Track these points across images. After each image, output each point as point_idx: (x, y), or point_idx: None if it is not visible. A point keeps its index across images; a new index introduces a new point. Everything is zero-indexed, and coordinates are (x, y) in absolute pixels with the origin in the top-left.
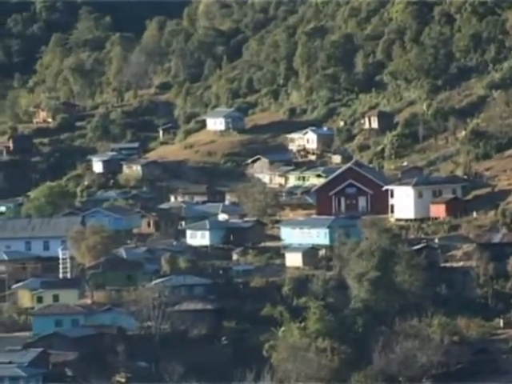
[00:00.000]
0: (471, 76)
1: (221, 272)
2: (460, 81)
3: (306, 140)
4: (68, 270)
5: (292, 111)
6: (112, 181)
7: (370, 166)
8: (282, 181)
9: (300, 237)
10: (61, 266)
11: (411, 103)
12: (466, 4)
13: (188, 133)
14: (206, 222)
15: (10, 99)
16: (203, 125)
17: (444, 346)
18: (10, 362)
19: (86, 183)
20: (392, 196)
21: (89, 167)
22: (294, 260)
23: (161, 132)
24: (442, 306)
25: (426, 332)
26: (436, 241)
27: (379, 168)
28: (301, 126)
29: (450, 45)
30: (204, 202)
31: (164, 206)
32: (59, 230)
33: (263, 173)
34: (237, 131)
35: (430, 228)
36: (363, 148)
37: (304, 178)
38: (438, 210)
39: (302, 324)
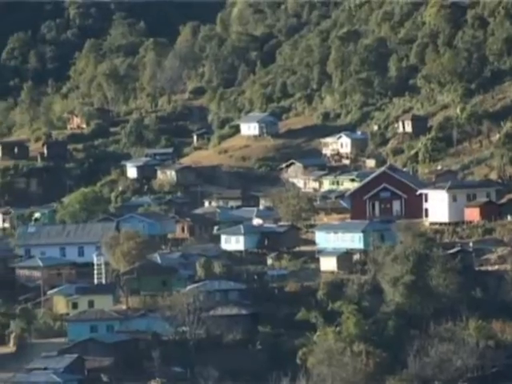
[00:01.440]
0: (505, 79)
1: (255, 277)
2: (493, 84)
3: (339, 144)
4: (103, 275)
5: (326, 115)
6: (146, 186)
7: (404, 169)
8: (316, 185)
9: (334, 241)
10: (95, 272)
11: (445, 107)
12: (499, 7)
13: (222, 138)
14: (241, 226)
15: (44, 105)
16: (237, 130)
17: (479, 350)
18: (45, 368)
19: (120, 189)
20: (426, 200)
21: (123, 173)
22: (328, 264)
23: (195, 137)
24: (476, 310)
25: (461, 335)
26: (470, 244)
27: (413, 172)
28: (334, 131)
29: (484, 48)
30: (238, 207)
31: (198, 211)
32: (94, 235)
33: (297, 177)
34: (271, 136)
35: (464, 232)
36: (397, 152)
37: (338, 183)
38: (473, 214)
39: (337, 328)
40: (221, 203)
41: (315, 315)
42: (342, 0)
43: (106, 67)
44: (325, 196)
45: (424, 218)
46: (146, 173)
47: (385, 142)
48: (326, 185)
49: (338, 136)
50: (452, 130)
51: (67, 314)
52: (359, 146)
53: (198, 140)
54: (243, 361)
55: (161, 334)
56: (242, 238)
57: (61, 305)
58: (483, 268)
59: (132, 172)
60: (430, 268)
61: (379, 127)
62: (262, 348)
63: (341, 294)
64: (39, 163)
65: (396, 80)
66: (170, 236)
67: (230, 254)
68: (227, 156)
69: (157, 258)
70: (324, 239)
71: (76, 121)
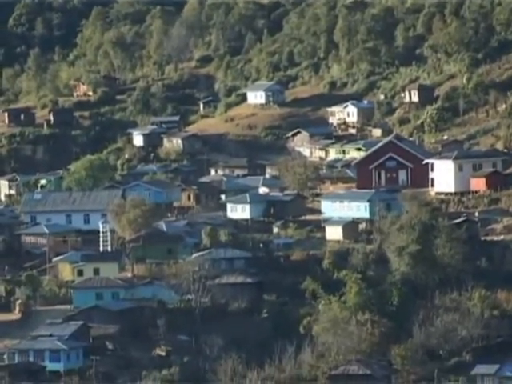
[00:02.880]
0: None
1: (261, 245)
2: (500, 54)
3: (346, 113)
4: (108, 243)
5: (332, 84)
6: (152, 154)
7: (411, 139)
8: (323, 154)
9: (340, 210)
10: (101, 240)
11: (451, 77)
12: None
13: (228, 106)
14: (247, 195)
15: (50, 73)
16: (244, 98)
17: (484, 320)
18: (50, 335)
19: (126, 156)
20: (432, 170)
21: (129, 141)
22: (334, 233)
23: (201, 105)
24: (481, 280)
25: (466, 305)
26: (476, 214)
27: (419, 141)
28: (341, 100)
29: (491, 18)
30: (244, 176)
31: (204, 179)
32: (100, 203)
33: (303, 146)
34: (277, 104)
35: (470, 202)
36: (403, 121)
37: (344, 152)
38: (478, 184)
39: (342, 297)
40: (227, 171)
41: (319, 284)
42: None
43: (113, 35)
44: (331, 165)
45: (430, 188)
46: (153, 141)
47: (391, 111)
48: (332, 154)
49: (344, 105)
50: (458, 99)
51: (72, 282)
52: (366, 115)
53: (204, 108)
54: (248, 329)
55: (166, 302)
56: (247, 207)
57: (66, 272)
58: (488, 238)
59: (138, 140)
60: (436, 238)
61: (386, 96)
62: (267, 317)
63: (346, 263)
64: (45, 130)
65: (403, 49)
66: (175, 204)
67: (235, 223)
68: (234, 124)
69: (162, 226)
70: (330, 208)
71: (82, 88)
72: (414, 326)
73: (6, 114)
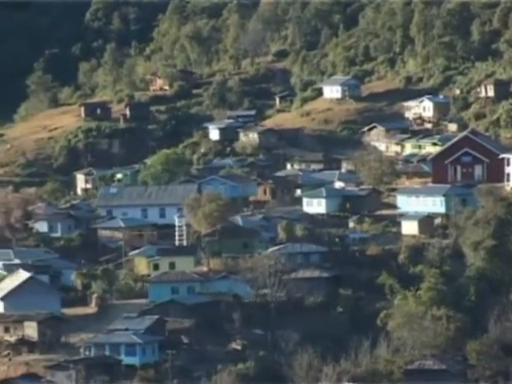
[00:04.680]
0: None
1: (337, 240)
2: None
3: (422, 108)
4: (184, 237)
5: (408, 79)
6: (228, 148)
7: (486, 134)
8: (398, 149)
9: (416, 205)
10: (177, 234)
11: None
12: None
13: (304, 100)
14: (323, 189)
15: (127, 67)
16: (320, 93)
17: None
18: (126, 329)
19: (202, 151)
20: (508, 164)
21: (205, 135)
22: (409, 228)
23: (277, 100)
24: None
25: None
26: None
27: (495, 136)
28: (417, 94)
29: None
30: (320, 170)
31: (280, 173)
32: (175, 197)
33: (379, 141)
34: (353, 99)
35: None
36: (479, 116)
37: (420, 146)
38: None
39: (418, 292)
40: (303, 166)
41: (395, 279)
42: None
43: (190, 29)
44: (407, 160)
45: (506, 183)
46: (229, 135)
47: (467, 106)
48: (408, 148)
49: (420, 100)
50: None
51: (148, 276)
52: (441, 110)
53: (280, 102)
54: (324, 324)
55: (242, 297)
56: (323, 201)
57: (142, 266)
58: None
59: (214, 134)
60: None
61: (461, 91)
62: (342, 311)
63: (422, 258)
64: (122, 124)
65: (479, 44)
66: (251, 198)
67: (311, 217)
68: (309, 119)
69: (238, 220)
70: (405, 203)
71: (159, 82)
72: (490, 321)
73: (83, 109)
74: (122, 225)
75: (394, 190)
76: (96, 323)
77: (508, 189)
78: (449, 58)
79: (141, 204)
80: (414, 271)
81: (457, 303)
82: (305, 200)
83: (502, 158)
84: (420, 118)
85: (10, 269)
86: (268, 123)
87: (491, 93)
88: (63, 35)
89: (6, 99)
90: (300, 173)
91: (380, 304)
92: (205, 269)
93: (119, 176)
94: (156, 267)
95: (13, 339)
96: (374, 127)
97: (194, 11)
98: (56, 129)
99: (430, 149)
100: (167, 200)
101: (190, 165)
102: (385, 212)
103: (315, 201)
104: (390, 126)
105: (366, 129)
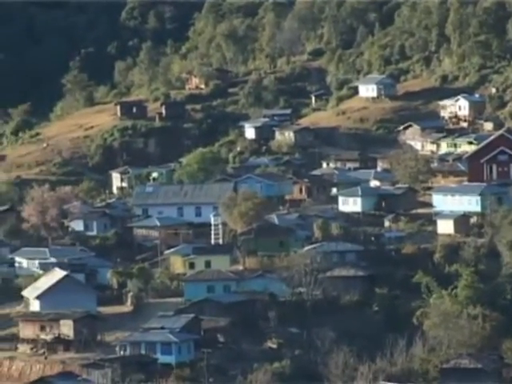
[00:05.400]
0: None
1: (372, 239)
2: None
3: (457, 107)
4: (220, 236)
5: (444, 78)
6: (264, 147)
7: None
8: (434, 148)
9: (451, 204)
10: (213, 232)
11: None
12: None
13: (340, 99)
14: (358, 188)
15: (162, 66)
16: (355, 91)
17: None
18: (162, 328)
19: (238, 149)
20: None
21: (241, 133)
22: (445, 227)
23: (313, 98)
24: None
25: None
26: None
27: None
28: (452, 93)
29: None
30: (356, 169)
31: (316, 172)
32: (211, 196)
33: (415, 139)
34: (389, 98)
35: None
36: None
37: (456, 145)
38: None
39: (453, 291)
40: (338, 165)
41: (431, 278)
42: None
43: (225, 28)
44: (442, 158)
45: None
46: (264, 134)
47: (503, 105)
48: (444, 147)
49: (455, 98)
50: None
51: (184, 274)
52: (477, 109)
53: (316, 101)
54: (359, 323)
55: (277, 295)
56: (359, 200)
57: (178, 264)
58: None
59: (250, 133)
60: None
61: (497, 90)
62: (378, 310)
63: (457, 257)
64: (157, 123)
65: None
66: (287, 197)
67: (347, 216)
68: (345, 117)
69: (274, 218)
70: (441, 202)
71: (194, 81)
72: None
73: (119, 107)
74: (158, 223)
75: (429, 188)
76: (132, 322)
77: None
78: (484, 56)
79: (176, 203)
80: (449, 270)
81: (493, 302)
82: (340, 199)
83: None
84: (455, 116)
85: (46, 267)
86: (304, 122)
87: None
88: (99, 34)
89: (42, 98)
90: (336, 171)
91: (415, 303)
92: (240, 267)
93: (155, 175)
94: (192, 266)
95: (49, 338)
96: (410, 126)
97: (229, 10)
98: (92, 127)
99: (466, 147)
100: (203, 199)
101: (226, 163)
102: (420, 211)
103: (351, 199)
104: (425, 124)
105: (401, 127)
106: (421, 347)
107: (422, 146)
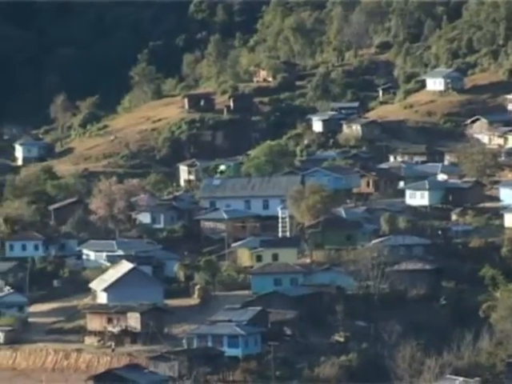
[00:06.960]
0: None
1: (439, 232)
2: None
3: None
4: (287, 228)
5: (511, 72)
6: (331, 140)
7: None
8: (501, 141)
9: None
10: (280, 225)
11: None
12: None
13: (408, 93)
14: (426, 182)
15: (230, 58)
16: (423, 85)
17: None
18: (229, 321)
19: (305, 142)
20: None
21: (309, 126)
22: None
23: (380, 92)
24: None
25: None
26: None
27: None
28: None
29: None
30: (423, 162)
31: (383, 165)
32: (279, 189)
33: (482, 133)
34: (456, 91)
35: None
36: None
37: None
38: None
39: None
40: (406, 158)
41: (498, 272)
42: None
43: (294, 21)
44: (510, 152)
45: None
46: (332, 127)
47: None
48: (511, 141)
49: None
50: None
51: (251, 267)
52: None
53: (383, 94)
54: (426, 316)
55: (345, 288)
56: (426, 194)
57: (245, 257)
58: None
59: (317, 126)
60: None
61: None
62: (445, 304)
63: None
64: (225, 116)
65: None
66: (354, 190)
67: (414, 209)
68: (412, 111)
69: (341, 212)
70: (509, 196)
71: (262, 74)
72: None
73: (186, 100)
74: (225, 216)
75: (496, 182)
76: (199, 314)
77: None
78: None
79: (244, 196)
80: None
81: None
82: (408, 192)
83: None
84: None
85: (114, 260)
86: (371, 115)
87: None
88: (167, 27)
89: (110, 91)
90: (403, 165)
91: (482, 297)
92: (308, 261)
93: (222, 168)
94: (259, 259)
95: (116, 330)
96: (477, 120)
97: (297, 3)
98: (159, 120)
99: None
100: (270, 192)
101: (294, 156)
102: (488, 204)
103: (418, 193)
104: (493, 118)
105: (469, 121)
106: (488, 341)
107: (490, 140)
